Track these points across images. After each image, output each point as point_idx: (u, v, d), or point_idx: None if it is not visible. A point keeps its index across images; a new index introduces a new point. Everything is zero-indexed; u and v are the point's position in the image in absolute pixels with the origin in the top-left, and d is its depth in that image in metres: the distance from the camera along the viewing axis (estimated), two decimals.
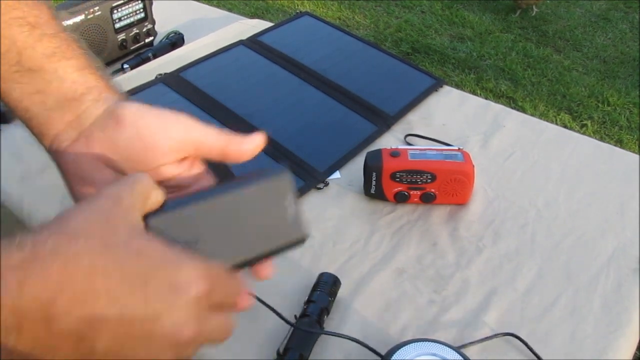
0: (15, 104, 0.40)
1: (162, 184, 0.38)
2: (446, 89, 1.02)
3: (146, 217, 0.35)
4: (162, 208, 0.36)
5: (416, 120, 0.93)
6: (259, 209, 0.38)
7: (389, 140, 0.89)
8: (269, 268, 0.39)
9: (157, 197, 0.35)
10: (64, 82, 0.39)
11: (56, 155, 0.40)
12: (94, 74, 0.41)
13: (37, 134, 0.41)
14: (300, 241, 0.40)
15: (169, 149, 0.39)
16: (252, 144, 0.41)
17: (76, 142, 0.39)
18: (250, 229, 0.38)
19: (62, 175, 0.41)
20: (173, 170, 0.40)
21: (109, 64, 1.06)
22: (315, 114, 0.92)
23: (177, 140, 0.39)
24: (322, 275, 0.64)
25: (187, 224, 0.36)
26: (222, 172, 0.44)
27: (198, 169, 0.41)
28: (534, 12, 3.13)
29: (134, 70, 0.99)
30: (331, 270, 0.66)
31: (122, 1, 1.03)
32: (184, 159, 0.40)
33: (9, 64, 0.39)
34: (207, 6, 1.35)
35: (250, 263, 0.38)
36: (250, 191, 0.38)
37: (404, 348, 0.54)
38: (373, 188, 0.76)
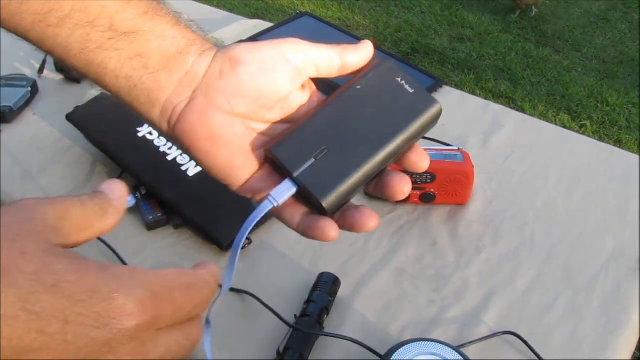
0: (114, 77, 0.36)
1: (293, 116, 0.37)
2: (446, 89, 1.02)
3: (266, 149, 0.36)
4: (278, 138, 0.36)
5: None
6: (377, 98, 0.37)
7: None
8: (372, 217, 0.36)
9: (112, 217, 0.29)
10: (165, 40, 0.37)
11: (175, 125, 0.37)
12: (189, 28, 0.39)
13: (145, 105, 0.37)
14: (436, 113, 0.38)
15: (292, 74, 0.37)
16: (366, 49, 0.38)
17: (194, 100, 0.36)
18: (378, 119, 0.36)
19: (186, 150, 0.37)
20: (300, 99, 0.38)
21: None
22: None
23: (298, 64, 0.37)
24: (322, 275, 0.65)
25: (309, 139, 0.35)
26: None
27: (316, 96, 0.40)
28: (533, 13, 3.13)
29: None
30: (331, 270, 0.66)
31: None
32: (303, 85, 0.38)
33: (102, 31, 0.36)
34: (207, 6, 1.35)
35: (394, 154, 0.36)
36: (360, 85, 0.37)
37: (403, 348, 0.54)
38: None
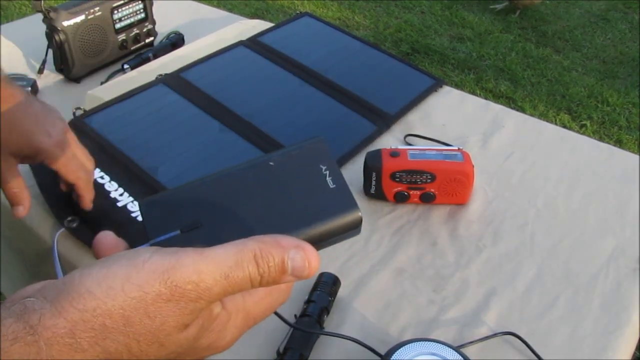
0: None
1: None
2: (446, 89, 1.02)
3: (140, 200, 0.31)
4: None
5: (416, 120, 0.94)
6: (289, 182, 0.31)
7: (389, 140, 0.89)
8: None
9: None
10: None
11: None
12: None
13: None
14: (353, 221, 0.31)
15: None
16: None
17: None
18: (278, 208, 0.30)
19: None
20: None
21: (109, 64, 1.06)
22: (315, 114, 0.92)
23: None
24: (322, 275, 0.65)
25: (187, 206, 0.30)
26: None
27: None
28: (517, 13, 3.13)
29: (134, 71, 0.99)
30: (331, 270, 0.66)
31: (122, 1, 1.03)
32: None
33: None
34: (207, 7, 1.35)
35: None
36: (274, 160, 0.31)
37: (403, 348, 0.54)
38: (373, 188, 0.76)
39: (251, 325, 0.33)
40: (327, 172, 0.31)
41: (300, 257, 0.29)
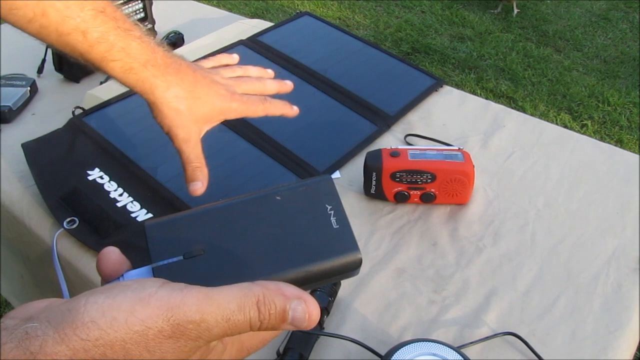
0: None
1: None
2: (446, 89, 1.02)
3: (145, 221, 0.32)
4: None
5: (416, 120, 0.93)
6: (293, 219, 0.31)
7: (389, 140, 0.89)
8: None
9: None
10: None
11: None
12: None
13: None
14: (352, 262, 0.31)
15: None
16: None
17: None
18: (281, 243, 0.31)
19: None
20: None
21: None
22: (315, 113, 0.92)
23: None
24: None
25: (191, 232, 0.31)
26: None
27: None
28: (515, 12, 3.13)
29: None
30: None
31: (121, 1, 1.03)
32: None
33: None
34: (207, 6, 1.35)
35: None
36: (280, 195, 0.32)
37: (404, 348, 0.54)
38: (373, 188, 0.76)
39: (244, 356, 0.34)
40: (332, 212, 0.32)
41: (301, 309, 0.30)
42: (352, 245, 0.32)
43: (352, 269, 0.32)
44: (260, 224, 0.31)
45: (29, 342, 0.26)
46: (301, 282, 0.31)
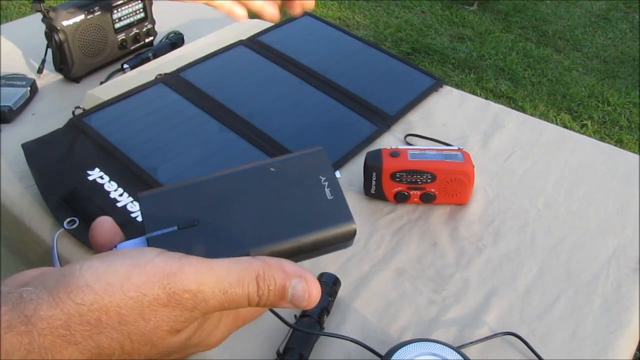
0: None
1: None
2: (446, 89, 1.02)
3: (139, 193, 0.32)
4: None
5: (416, 120, 0.93)
6: (287, 189, 0.31)
7: (389, 140, 0.89)
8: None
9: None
10: None
11: None
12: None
13: None
14: (347, 232, 0.31)
15: None
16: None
17: None
18: (274, 213, 0.30)
19: None
20: None
21: (108, 64, 1.06)
22: (315, 114, 0.92)
23: None
24: (322, 275, 0.64)
25: (184, 203, 0.31)
26: None
27: None
28: (474, 5, 3.15)
29: (134, 71, 0.99)
30: (331, 270, 0.66)
31: (122, 1, 1.03)
32: None
33: None
34: (207, 6, 1.35)
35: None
36: (274, 166, 0.32)
37: (404, 348, 0.54)
38: (373, 188, 0.76)
39: (240, 325, 0.33)
40: (326, 183, 0.32)
41: (301, 287, 0.30)
42: (347, 216, 0.31)
43: (346, 239, 0.31)
44: (254, 195, 0.31)
45: (23, 305, 0.26)
46: (295, 253, 0.31)
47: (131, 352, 0.27)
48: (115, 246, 0.31)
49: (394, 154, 0.75)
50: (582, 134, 0.97)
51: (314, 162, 0.33)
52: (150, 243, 0.30)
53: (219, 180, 0.32)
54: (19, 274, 0.30)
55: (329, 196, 0.32)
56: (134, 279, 0.27)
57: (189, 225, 0.30)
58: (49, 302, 0.26)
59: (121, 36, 1.06)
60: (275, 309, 0.60)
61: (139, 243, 0.31)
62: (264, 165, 0.32)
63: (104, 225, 0.32)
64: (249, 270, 0.29)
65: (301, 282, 0.30)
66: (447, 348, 0.54)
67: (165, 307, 0.27)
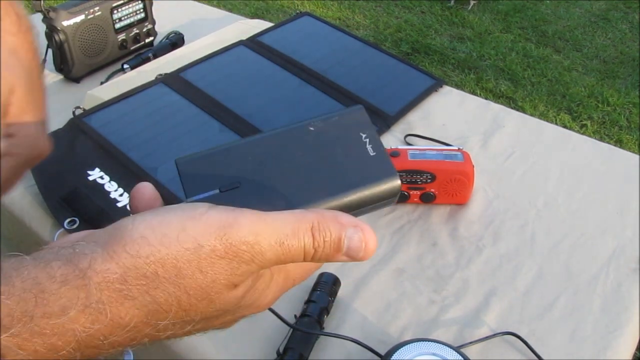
0: None
1: None
2: (446, 89, 1.02)
3: (176, 158, 0.30)
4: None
5: (416, 120, 0.93)
6: (328, 147, 0.30)
7: (389, 140, 0.89)
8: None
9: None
10: None
11: None
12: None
13: None
14: (393, 189, 0.30)
15: None
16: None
17: None
18: (317, 171, 0.30)
19: None
20: None
21: (109, 64, 1.06)
22: (315, 114, 0.91)
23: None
24: (322, 275, 0.64)
25: (224, 166, 0.30)
26: None
27: None
28: (470, 6, 3.16)
29: (134, 71, 0.99)
30: (331, 270, 0.66)
31: (122, 1, 1.03)
32: None
33: None
34: (207, 6, 1.35)
35: None
36: (313, 125, 0.31)
37: (403, 348, 0.54)
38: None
39: (290, 286, 0.32)
40: (367, 139, 0.31)
41: (358, 237, 0.28)
42: (391, 171, 0.30)
43: (391, 195, 0.31)
44: (295, 154, 0.30)
45: (77, 259, 0.25)
46: (341, 210, 0.30)
47: (188, 309, 0.26)
48: None
49: (394, 154, 0.75)
50: (582, 134, 0.97)
51: (353, 120, 0.32)
52: None
53: (258, 141, 0.31)
54: (64, 238, 0.29)
55: (372, 153, 0.31)
56: (189, 230, 0.26)
57: (231, 188, 0.29)
58: (103, 255, 0.25)
59: (121, 36, 1.06)
60: (275, 309, 0.61)
61: None
62: (303, 125, 0.31)
63: (144, 191, 0.31)
64: (303, 221, 0.28)
65: (357, 232, 0.28)
66: (447, 348, 0.54)
67: (222, 259, 0.26)
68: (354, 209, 0.30)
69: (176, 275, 0.25)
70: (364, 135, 0.31)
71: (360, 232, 0.28)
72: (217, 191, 0.29)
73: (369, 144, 0.31)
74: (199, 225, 0.26)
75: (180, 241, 0.26)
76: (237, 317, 0.31)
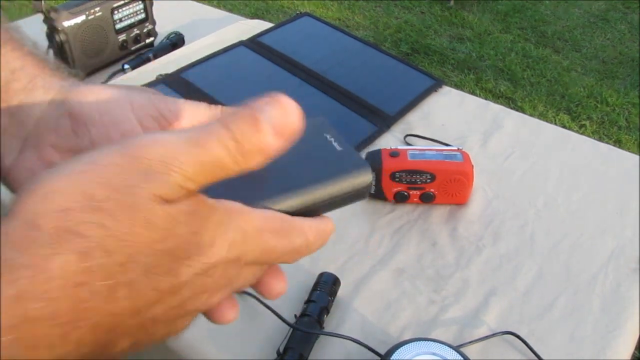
0: None
1: None
2: (445, 89, 1.02)
3: None
4: None
5: (416, 120, 0.94)
6: (296, 146, 0.29)
7: (389, 140, 0.89)
8: (281, 281, 0.29)
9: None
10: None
11: (4, 178, 0.29)
12: (16, 50, 0.29)
13: None
14: (365, 182, 0.30)
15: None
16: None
17: (22, 154, 0.29)
18: (285, 167, 0.29)
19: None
20: None
21: (109, 64, 1.06)
22: (315, 114, 0.91)
23: (156, 114, 0.29)
24: (322, 275, 0.65)
25: None
26: None
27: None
28: (451, 3, 3.17)
29: (135, 71, 0.99)
30: (331, 270, 0.66)
31: (122, 2, 1.03)
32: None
33: None
34: (207, 7, 1.35)
35: (299, 208, 0.29)
36: None
37: (403, 347, 0.55)
38: (373, 188, 0.76)
39: (253, 271, 0.27)
40: (332, 139, 0.31)
41: (273, 109, 0.25)
42: (361, 162, 0.30)
43: (363, 187, 0.30)
44: None
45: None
46: (314, 205, 0.29)
47: (122, 235, 0.21)
48: None
49: (394, 154, 0.75)
50: (581, 134, 0.97)
51: (316, 125, 0.32)
52: None
53: None
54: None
55: (339, 148, 0.31)
56: (82, 158, 0.22)
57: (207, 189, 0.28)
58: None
59: (122, 37, 1.06)
60: (275, 309, 0.61)
61: None
62: None
63: None
64: (211, 122, 0.24)
65: (271, 104, 0.25)
66: (447, 347, 0.55)
67: (130, 172, 0.21)
68: (328, 202, 0.30)
69: (83, 199, 0.21)
70: (328, 136, 0.32)
71: (276, 103, 0.25)
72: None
73: (335, 142, 0.31)
74: (91, 153, 0.22)
75: (73, 170, 0.21)
76: (186, 300, 0.24)
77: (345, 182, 0.30)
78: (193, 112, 0.30)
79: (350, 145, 0.31)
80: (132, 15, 1.07)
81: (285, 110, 0.25)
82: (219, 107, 0.29)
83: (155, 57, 1.06)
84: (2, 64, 0.27)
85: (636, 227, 0.75)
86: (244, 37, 1.08)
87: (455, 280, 0.68)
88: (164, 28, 1.15)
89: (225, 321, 0.27)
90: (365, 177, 0.30)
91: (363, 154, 0.78)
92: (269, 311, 0.61)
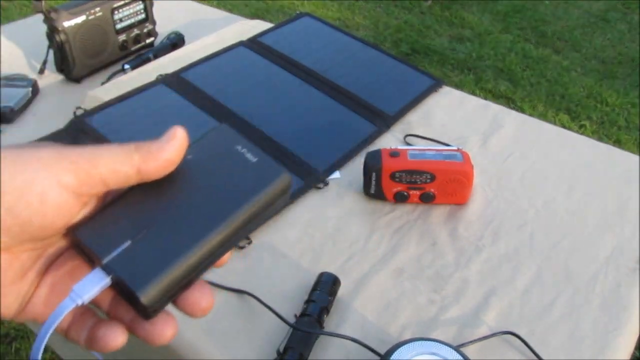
0: None
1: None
2: (445, 89, 1.02)
3: (70, 230, 0.29)
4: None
5: (416, 120, 0.94)
6: (212, 169, 0.31)
7: (389, 141, 0.89)
8: (207, 296, 0.30)
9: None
10: None
11: None
12: None
13: None
14: (284, 184, 0.32)
15: (69, 203, 0.28)
16: (174, 145, 0.31)
17: None
18: (213, 193, 0.30)
19: None
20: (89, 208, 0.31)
21: (109, 64, 1.07)
22: (315, 114, 0.92)
23: (76, 189, 0.28)
24: (322, 274, 0.65)
25: (125, 219, 0.30)
26: None
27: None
28: (429, 2, 3.18)
29: (135, 71, 0.99)
30: (331, 269, 0.66)
31: (123, 2, 1.03)
32: (87, 203, 0.30)
33: None
34: (207, 7, 1.35)
35: (235, 231, 0.30)
36: (192, 154, 0.32)
37: (403, 347, 0.55)
38: (373, 188, 0.77)
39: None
40: (244, 149, 0.32)
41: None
42: (277, 169, 0.32)
43: (286, 190, 0.32)
44: (184, 186, 0.31)
45: None
46: (246, 223, 0.31)
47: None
48: (72, 290, 0.29)
49: (394, 154, 0.75)
50: (581, 134, 0.98)
51: (224, 138, 0.33)
52: (109, 270, 0.28)
53: (144, 186, 0.30)
54: None
55: (253, 159, 0.32)
56: None
57: (139, 235, 0.29)
58: None
59: (122, 37, 1.06)
60: (275, 309, 0.61)
61: (97, 276, 0.29)
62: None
63: None
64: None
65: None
66: (447, 347, 0.55)
67: None
68: (259, 215, 0.31)
69: None
70: (240, 147, 0.32)
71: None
72: (129, 243, 0.29)
73: (247, 153, 0.32)
74: None
75: None
76: None
77: (267, 194, 0.31)
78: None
79: (259, 149, 0.32)
80: (132, 15, 1.07)
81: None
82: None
83: (156, 57, 1.06)
84: None
85: (636, 227, 0.75)
86: (244, 37, 1.08)
87: (455, 280, 0.68)
88: (164, 28, 1.15)
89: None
90: (284, 182, 0.32)
91: (363, 154, 0.78)
92: (269, 311, 0.61)
